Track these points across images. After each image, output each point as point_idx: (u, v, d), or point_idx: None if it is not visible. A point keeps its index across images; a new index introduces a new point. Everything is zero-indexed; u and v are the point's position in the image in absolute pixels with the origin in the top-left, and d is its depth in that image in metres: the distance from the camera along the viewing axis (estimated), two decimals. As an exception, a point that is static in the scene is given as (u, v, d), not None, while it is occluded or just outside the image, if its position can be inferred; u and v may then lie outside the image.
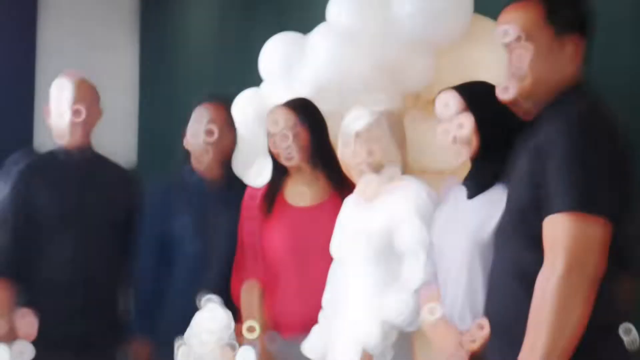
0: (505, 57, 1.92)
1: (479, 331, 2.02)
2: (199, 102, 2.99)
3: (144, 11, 4.84)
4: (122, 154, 3.36)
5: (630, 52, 3.26)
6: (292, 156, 2.71)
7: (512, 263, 1.86)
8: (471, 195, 2.17)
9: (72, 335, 2.88)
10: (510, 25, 1.89)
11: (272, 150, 2.76)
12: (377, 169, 2.48)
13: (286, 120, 2.72)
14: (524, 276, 1.81)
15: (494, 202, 2.07)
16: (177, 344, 2.10)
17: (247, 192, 2.85)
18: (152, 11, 4.80)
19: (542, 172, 1.78)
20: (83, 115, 2.95)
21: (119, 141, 4.56)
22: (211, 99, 3.01)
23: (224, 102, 3.05)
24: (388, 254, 2.38)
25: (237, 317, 2.71)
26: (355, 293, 2.44)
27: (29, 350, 2.68)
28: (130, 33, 4.83)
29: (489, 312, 1.97)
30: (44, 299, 2.87)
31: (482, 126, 2.15)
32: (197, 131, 2.93)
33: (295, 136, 2.70)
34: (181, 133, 3.02)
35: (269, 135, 2.76)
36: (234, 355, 2.06)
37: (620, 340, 1.83)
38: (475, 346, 2.03)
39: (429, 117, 2.85)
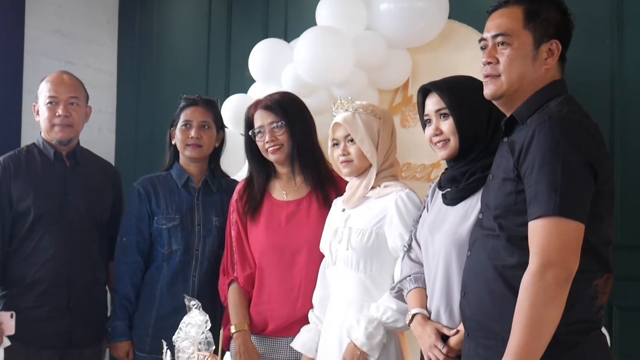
0: (480, 59, 1.96)
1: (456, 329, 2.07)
2: (187, 101, 2.98)
3: (124, 10, 4.85)
4: (100, 153, 3.30)
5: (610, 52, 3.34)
6: (274, 151, 2.69)
7: (490, 262, 1.87)
8: (451, 203, 2.14)
9: (55, 333, 2.87)
10: (490, 31, 1.93)
11: (258, 143, 2.73)
12: (357, 169, 2.50)
13: (267, 116, 2.70)
14: (500, 275, 1.84)
15: (471, 200, 2.08)
16: (164, 348, 2.11)
17: (235, 191, 2.82)
18: (132, 11, 4.82)
19: (521, 171, 1.79)
20: (71, 112, 2.94)
21: (97, 139, 4.56)
22: (199, 98, 3.00)
23: (212, 101, 3.03)
24: (374, 256, 2.41)
25: (226, 317, 2.76)
26: (344, 292, 2.46)
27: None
28: (112, 32, 4.84)
29: (464, 310, 1.99)
30: (27, 296, 2.84)
31: (461, 127, 2.12)
32: (186, 129, 2.93)
33: (275, 132, 2.68)
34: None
35: (253, 131, 2.74)
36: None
37: (603, 337, 1.86)
38: (452, 342, 2.07)
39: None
